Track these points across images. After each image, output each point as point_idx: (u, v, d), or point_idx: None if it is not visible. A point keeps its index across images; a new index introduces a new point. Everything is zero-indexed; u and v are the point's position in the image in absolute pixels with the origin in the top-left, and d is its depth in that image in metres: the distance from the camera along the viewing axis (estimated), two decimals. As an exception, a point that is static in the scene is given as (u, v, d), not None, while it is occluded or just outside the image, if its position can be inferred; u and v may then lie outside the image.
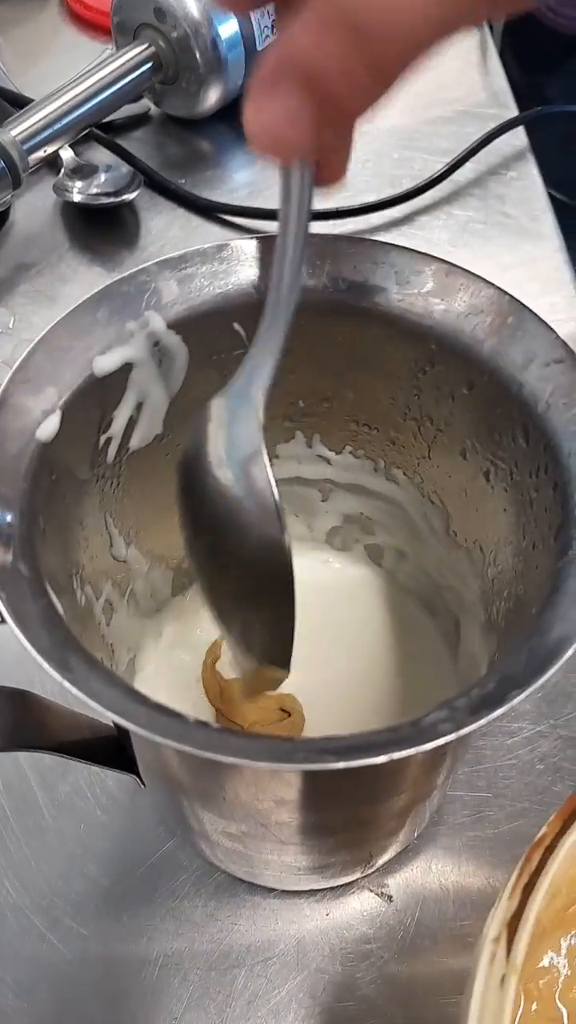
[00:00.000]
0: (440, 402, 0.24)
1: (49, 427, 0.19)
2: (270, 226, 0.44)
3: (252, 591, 0.20)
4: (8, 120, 0.42)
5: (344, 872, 0.26)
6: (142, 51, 0.45)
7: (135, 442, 0.23)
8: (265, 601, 0.19)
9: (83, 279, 0.42)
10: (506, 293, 0.21)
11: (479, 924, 0.27)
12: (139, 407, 0.23)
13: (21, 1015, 0.25)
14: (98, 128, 0.46)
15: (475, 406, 0.23)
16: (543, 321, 0.21)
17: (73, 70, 0.46)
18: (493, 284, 0.22)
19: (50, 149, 0.42)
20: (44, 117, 0.42)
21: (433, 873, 0.28)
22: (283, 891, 0.27)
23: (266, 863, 0.24)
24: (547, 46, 0.61)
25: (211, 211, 0.45)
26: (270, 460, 0.19)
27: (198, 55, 0.45)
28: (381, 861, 0.27)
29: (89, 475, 0.22)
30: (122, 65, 0.45)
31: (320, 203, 0.44)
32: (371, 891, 0.27)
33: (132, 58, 0.45)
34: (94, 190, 0.45)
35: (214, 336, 0.23)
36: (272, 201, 0.45)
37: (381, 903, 0.27)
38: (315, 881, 0.27)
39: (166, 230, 0.45)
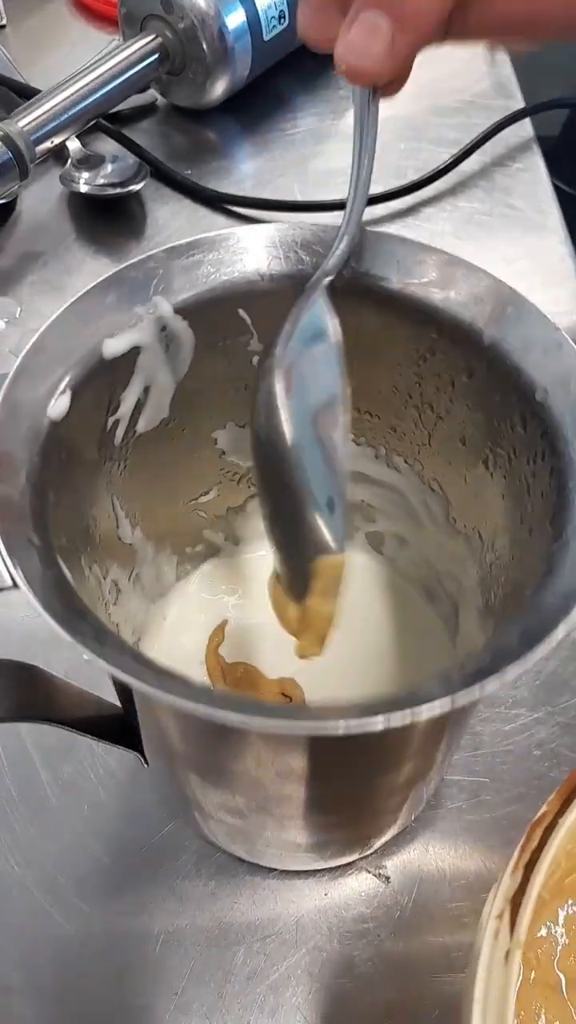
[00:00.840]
0: (441, 390, 0.24)
1: (60, 406, 0.20)
2: (276, 216, 0.44)
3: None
4: (15, 111, 0.42)
5: (343, 852, 0.27)
6: (149, 42, 0.46)
7: (142, 425, 0.24)
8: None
9: (89, 269, 0.43)
10: (505, 284, 0.22)
11: (474, 905, 0.27)
12: (146, 391, 0.23)
13: (25, 990, 0.26)
14: (105, 119, 0.46)
15: (475, 393, 0.23)
16: (540, 312, 0.21)
17: (80, 61, 0.46)
18: (492, 275, 0.22)
19: (57, 140, 0.43)
20: (51, 108, 0.42)
21: (430, 855, 0.28)
22: (283, 872, 0.28)
23: (267, 841, 0.25)
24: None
25: (217, 202, 0.45)
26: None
27: (205, 46, 0.46)
28: (379, 843, 0.27)
29: (97, 456, 0.23)
30: (129, 56, 0.45)
31: (325, 194, 0.44)
32: (369, 872, 0.28)
33: (139, 49, 0.45)
34: (100, 180, 0.45)
35: (220, 322, 0.23)
36: (277, 192, 0.46)
37: (379, 884, 0.28)
38: (314, 861, 0.27)
39: (172, 220, 0.45)
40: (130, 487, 0.25)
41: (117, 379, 0.22)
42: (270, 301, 0.23)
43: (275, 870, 0.28)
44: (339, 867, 0.28)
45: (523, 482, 0.21)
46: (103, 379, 0.21)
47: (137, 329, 0.22)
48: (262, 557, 0.31)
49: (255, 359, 0.24)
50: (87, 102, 0.43)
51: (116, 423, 0.23)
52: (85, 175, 0.45)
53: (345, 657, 0.29)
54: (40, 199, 0.46)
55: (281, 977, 0.26)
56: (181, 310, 0.22)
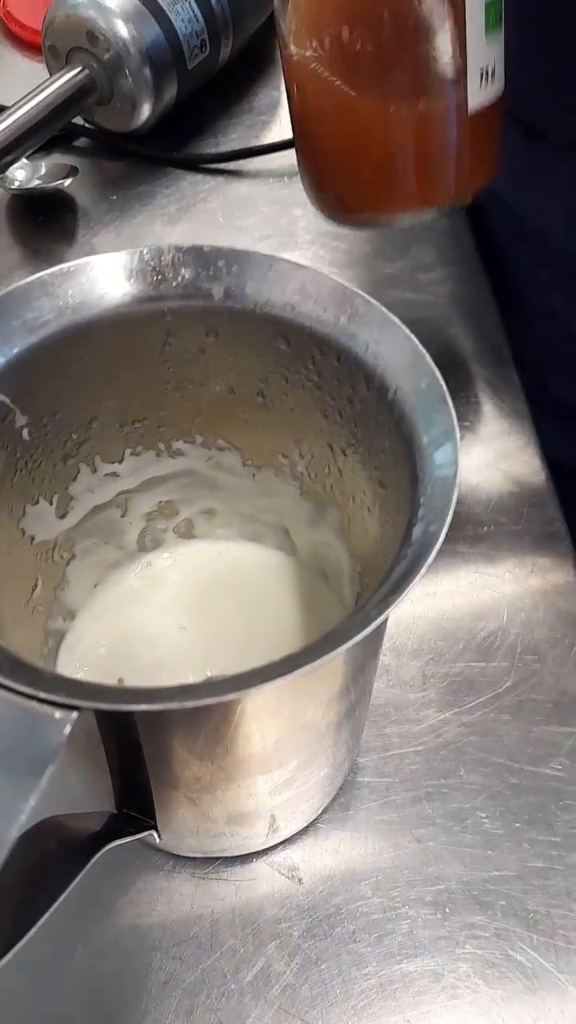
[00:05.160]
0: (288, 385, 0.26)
1: None
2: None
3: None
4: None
5: (249, 835, 0.28)
6: (77, 74, 0.47)
7: None
8: None
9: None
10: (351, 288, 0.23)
11: (384, 902, 0.28)
12: None
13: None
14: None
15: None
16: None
17: (7, 88, 0.47)
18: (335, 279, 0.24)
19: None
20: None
21: (341, 855, 0.29)
22: (199, 877, 0.29)
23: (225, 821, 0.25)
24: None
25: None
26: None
27: (130, 76, 0.47)
28: (285, 829, 0.28)
29: None
30: (58, 89, 0.46)
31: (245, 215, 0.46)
32: (282, 874, 0.29)
33: (67, 82, 0.47)
34: (34, 181, 0.46)
35: None
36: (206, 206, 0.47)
37: (291, 884, 0.29)
38: (226, 840, 0.28)
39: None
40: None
41: None
42: (26, 376, 0.23)
43: (192, 876, 0.29)
44: (251, 872, 0.29)
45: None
46: None
47: None
48: (100, 618, 0.31)
49: (25, 433, 0.24)
50: (20, 136, 0.45)
51: None
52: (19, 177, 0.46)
53: (260, 649, 0.30)
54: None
55: (196, 980, 0.27)
56: None
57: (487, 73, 0.33)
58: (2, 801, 0.16)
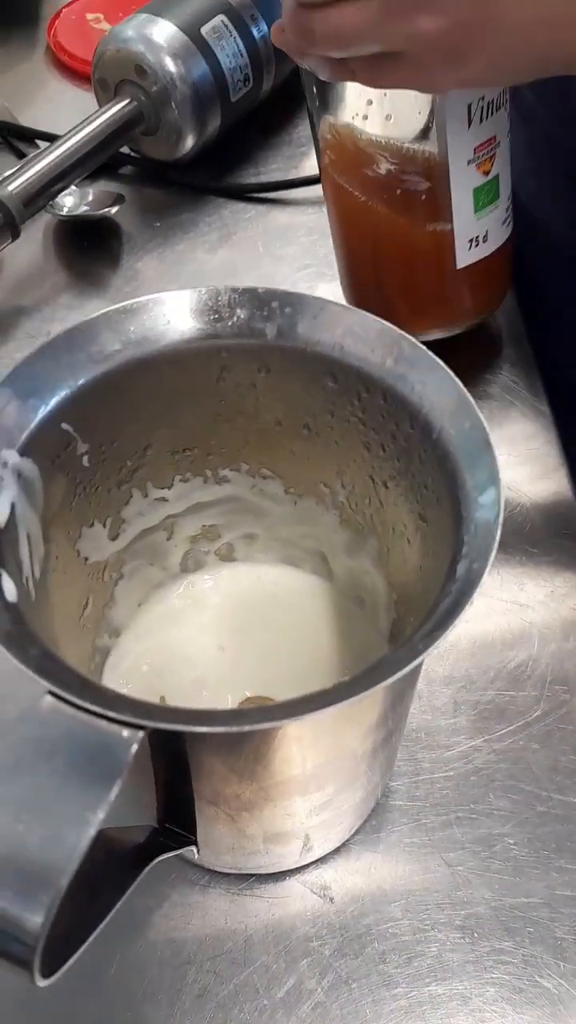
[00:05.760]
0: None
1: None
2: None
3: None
4: (6, 176, 0.45)
5: (284, 853, 0.28)
6: (125, 106, 0.49)
7: (37, 572, 0.24)
8: None
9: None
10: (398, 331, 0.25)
11: (414, 923, 0.29)
12: (28, 539, 0.24)
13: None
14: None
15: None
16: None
17: (57, 117, 0.49)
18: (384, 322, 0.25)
19: (43, 202, 0.46)
20: (38, 172, 0.45)
21: (372, 877, 0.30)
22: (234, 893, 0.29)
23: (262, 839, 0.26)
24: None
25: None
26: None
27: (176, 108, 0.48)
28: (319, 849, 0.29)
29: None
30: (108, 120, 0.48)
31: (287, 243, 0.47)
32: (314, 893, 0.30)
33: (116, 113, 0.48)
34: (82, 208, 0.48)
35: (51, 443, 0.24)
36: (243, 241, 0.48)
37: (323, 903, 0.29)
38: (261, 857, 0.28)
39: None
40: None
41: (8, 541, 0.22)
42: (89, 407, 0.25)
43: (227, 891, 0.29)
44: (284, 889, 0.29)
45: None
46: (2, 549, 0.22)
47: (5, 487, 0.22)
48: (143, 636, 0.32)
49: (85, 460, 0.26)
50: (71, 165, 0.46)
51: (27, 581, 0.23)
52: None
53: (300, 674, 0.31)
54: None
55: (229, 994, 0.28)
56: (24, 449, 0.23)
57: (477, 239, 0.37)
58: (76, 812, 0.17)
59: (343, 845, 0.30)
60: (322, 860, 0.30)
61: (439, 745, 0.32)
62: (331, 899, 0.30)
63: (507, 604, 0.35)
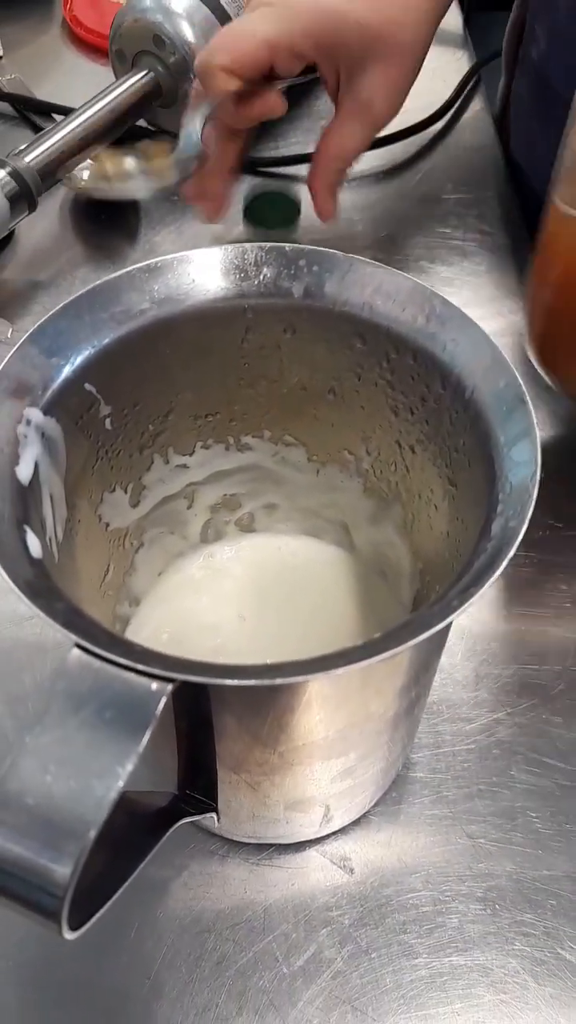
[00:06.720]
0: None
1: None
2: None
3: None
4: (22, 148, 0.44)
5: (304, 823, 0.28)
6: (142, 77, 0.48)
7: (59, 533, 0.24)
8: None
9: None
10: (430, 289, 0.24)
11: (434, 895, 0.29)
12: (51, 499, 0.23)
13: (7, 969, 0.27)
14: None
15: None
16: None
17: (74, 91, 0.49)
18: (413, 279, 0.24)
19: (60, 174, 0.45)
20: (55, 144, 0.45)
21: (392, 849, 0.30)
22: (253, 863, 0.29)
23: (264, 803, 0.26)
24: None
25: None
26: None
27: (194, 79, 0.48)
28: (338, 819, 0.29)
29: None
30: (126, 92, 0.47)
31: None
32: (334, 864, 0.29)
33: (134, 84, 0.48)
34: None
35: (75, 404, 0.24)
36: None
37: (343, 875, 0.29)
38: (281, 826, 0.28)
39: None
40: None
41: (32, 499, 0.22)
42: (112, 368, 0.24)
43: (246, 861, 0.29)
44: (304, 860, 0.29)
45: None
46: (27, 507, 0.21)
47: (29, 445, 0.22)
48: (163, 605, 0.31)
49: (108, 423, 0.25)
50: (89, 138, 0.46)
51: (51, 542, 0.23)
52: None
53: (316, 643, 0.31)
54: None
55: (248, 962, 0.28)
56: (47, 408, 0.23)
57: None
58: (107, 763, 0.17)
59: (363, 817, 0.30)
60: (342, 832, 0.30)
61: (461, 718, 0.32)
62: (351, 870, 0.29)
63: (529, 579, 0.35)
